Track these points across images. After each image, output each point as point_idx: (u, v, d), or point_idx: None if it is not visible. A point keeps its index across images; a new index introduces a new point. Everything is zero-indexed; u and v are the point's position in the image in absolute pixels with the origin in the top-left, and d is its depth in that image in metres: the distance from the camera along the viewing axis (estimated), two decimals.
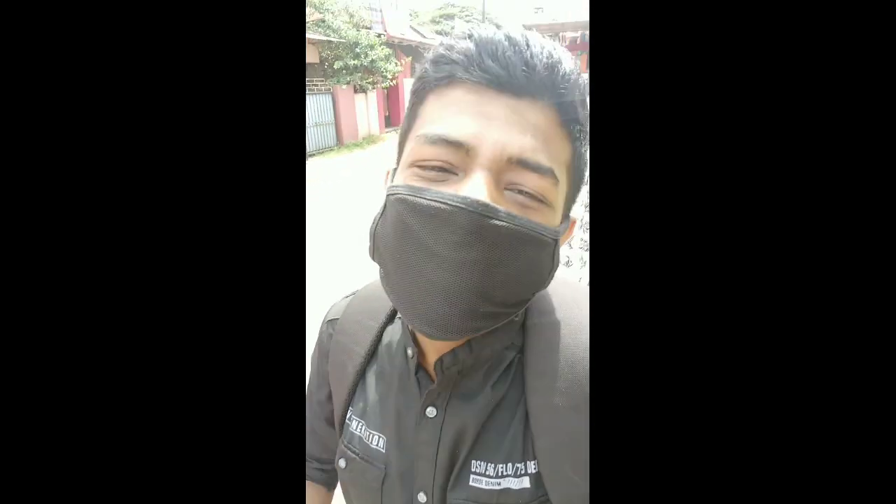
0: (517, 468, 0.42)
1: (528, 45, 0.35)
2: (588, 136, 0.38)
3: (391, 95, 14.92)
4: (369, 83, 10.51)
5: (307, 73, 9.87)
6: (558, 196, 0.37)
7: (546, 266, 0.38)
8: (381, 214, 0.39)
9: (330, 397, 0.57)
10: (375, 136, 13.16)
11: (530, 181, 0.35)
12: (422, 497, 0.45)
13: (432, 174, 0.37)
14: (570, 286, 0.49)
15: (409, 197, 0.36)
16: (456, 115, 0.36)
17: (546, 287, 0.40)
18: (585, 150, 0.39)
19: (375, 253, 0.40)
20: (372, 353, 0.52)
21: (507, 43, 0.35)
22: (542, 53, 0.35)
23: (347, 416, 0.52)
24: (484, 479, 0.42)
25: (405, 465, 0.46)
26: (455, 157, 0.36)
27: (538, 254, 0.37)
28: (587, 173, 0.39)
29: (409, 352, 0.46)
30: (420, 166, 0.37)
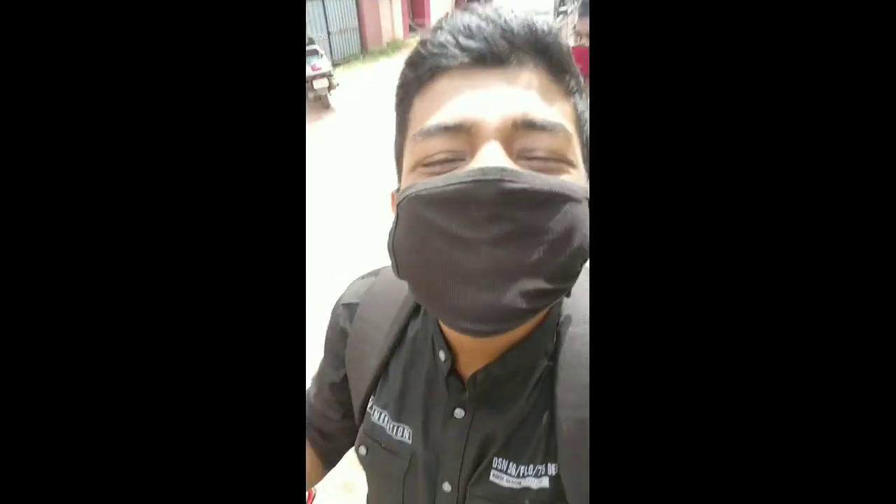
0: (538, 469, 0.41)
1: (499, 14, 0.34)
2: (583, 91, 0.36)
3: (415, 2, 14.33)
4: None
5: None
6: (577, 153, 0.35)
7: (582, 234, 0.33)
8: (395, 226, 0.36)
9: (345, 380, 0.55)
10: (400, 41, 12.91)
11: (543, 142, 0.33)
12: (447, 487, 0.45)
13: (439, 168, 0.34)
14: None
15: (422, 192, 0.33)
16: (448, 101, 0.34)
17: (585, 259, 0.35)
18: (585, 107, 0.36)
19: (400, 269, 0.37)
20: (395, 346, 0.50)
21: (479, 19, 0.34)
22: (515, 17, 0.34)
23: (369, 405, 0.50)
24: (505, 476, 0.42)
25: (430, 458, 0.45)
26: (458, 142, 0.33)
27: (576, 214, 0.33)
28: (587, 130, 0.36)
29: (442, 355, 0.44)
30: (425, 164, 0.35)
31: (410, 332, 0.49)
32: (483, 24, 0.34)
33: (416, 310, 0.50)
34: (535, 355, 0.42)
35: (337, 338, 0.55)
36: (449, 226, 0.32)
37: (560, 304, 0.43)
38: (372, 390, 0.50)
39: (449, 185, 0.32)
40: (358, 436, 0.51)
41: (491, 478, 0.42)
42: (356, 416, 0.52)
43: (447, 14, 0.36)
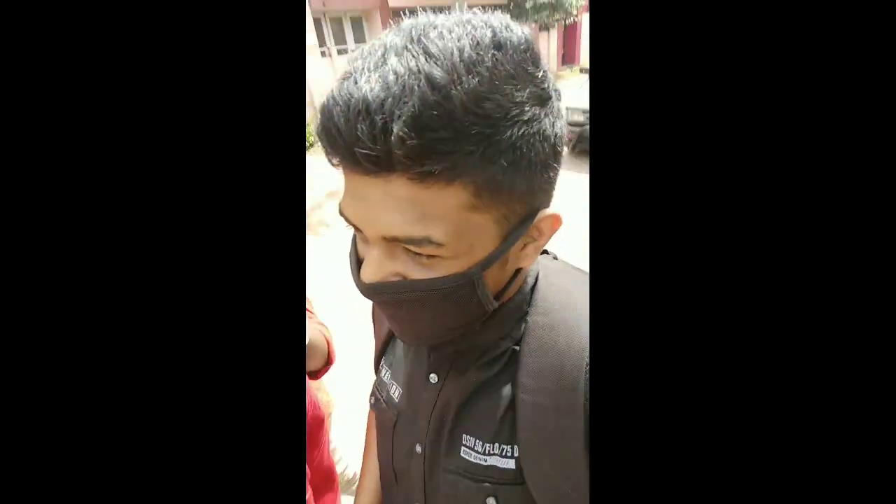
0: (504, 449, 0.44)
1: (349, 127, 0.30)
2: (501, 130, 0.31)
3: (569, 33, 14.44)
4: (555, 19, 10.49)
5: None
6: (454, 246, 0.35)
7: (465, 305, 0.38)
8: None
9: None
10: (554, 72, 13.07)
11: (417, 248, 0.35)
12: (418, 448, 0.51)
13: (361, 234, 0.39)
14: (577, 282, 0.48)
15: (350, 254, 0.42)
16: (348, 193, 0.35)
17: (493, 306, 0.40)
18: (498, 156, 0.32)
19: None
20: None
21: (335, 129, 0.31)
22: (363, 131, 0.29)
23: (381, 361, 0.59)
24: (473, 453, 0.45)
25: (410, 417, 0.52)
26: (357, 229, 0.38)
27: (448, 300, 0.37)
28: (519, 178, 0.34)
29: None
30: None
31: None
32: (338, 137, 0.31)
33: None
34: (494, 335, 0.45)
35: (373, 316, 0.65)
36: None
37: (531, 293, 0.46)
38: (384, 350, 0.59)
39: (352, 268, 0.41)
40: (372, 386, 0.60)
41: (461, 453, 0.46)
42: (374, 369, 0.61)
43: (344, 76, 0.33)
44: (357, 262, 0.41)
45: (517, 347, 0.45)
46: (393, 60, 0.30)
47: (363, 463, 0.72)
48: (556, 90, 0.35)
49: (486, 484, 0.44)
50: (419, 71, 0.29)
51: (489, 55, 0.30)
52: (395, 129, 0.29)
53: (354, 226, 0.37)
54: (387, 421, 0.55)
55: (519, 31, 0.33)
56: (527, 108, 0.32)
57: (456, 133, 0.30)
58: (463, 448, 0.46)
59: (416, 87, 0.29)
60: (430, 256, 0.35)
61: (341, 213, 0.37)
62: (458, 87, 0.29)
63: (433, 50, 0.30)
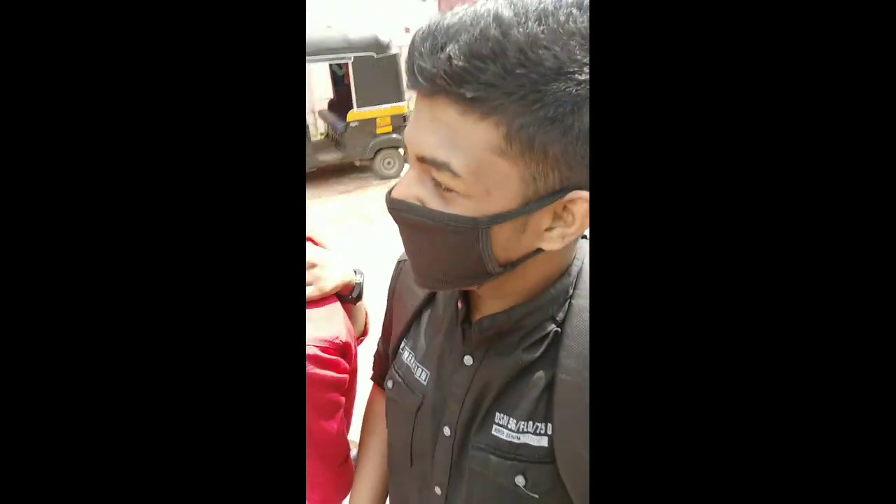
0: (537, 427, 0.44)
1: (420, 43, 0.34)
2: (540, 89, 0.32)
3: None
4: None
5: None
6: (471, 184, 0.35)
7: (463, 253, 0.38)
8: None
9: (390, 328, 0.64)
10: None
11: (438, 175, 0.36)
12: (446, 431, 0.50)
13: None
14: None
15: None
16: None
17: (495, 269, 0.40)
18: (536, 111, 0.33)
19: None
20: (430, 298, 0.57)
21: (420, 41, 0.34)
22: (424, 49, 0.33)
23: (401, 346, 0.57)
24: (505, 430, 0.45)
25: (438, 401, 0.51)
26: None
27: (450, 240, 0.38)
28: (555, 139, 0.34)
29: (460, 304, 0.49)
30: None
31: None
32: (421, 49, 0.34)
33: None
34: (541, 316, 0.45)
35: (390, 294, 0.64)
36: None
37: (575, 276, 0.46)
38: (406, 332, 0.58)
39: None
40: (389, 371, 0.58)
41: (493, 431, 0.46)
42: (390, 355, 0.60)
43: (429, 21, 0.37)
44: None
45: (559, 329, 0.45)
46: (480, 2, 0.33)
47: (361, 450, 0.70)
48: None
49: (516, 462, 0.45)
50: (493, 8, 0.32)
51: (566, 10, 0.32)
52: (448, 49, 0.32)
53: (405, 147, 0.39)
54: (408, 405, 0.54)
55: None
56: (585, 70, 0.32)
57: (503, 70, 0.32)
58: (495, 426, 0.46)
59: (482, 21, 0.32)
60: (447, 190, 0.37)
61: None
62: (520, 29, 0.31)
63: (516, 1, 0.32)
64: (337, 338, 0.61)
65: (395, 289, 0.62)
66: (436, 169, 0.36)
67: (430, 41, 0.33)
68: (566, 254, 0.44)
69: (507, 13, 0.31)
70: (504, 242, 0.39)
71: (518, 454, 0.45)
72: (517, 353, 0.45)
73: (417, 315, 0.57)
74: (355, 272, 0.72)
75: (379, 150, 5.26)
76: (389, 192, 0.41)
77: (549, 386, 0.44)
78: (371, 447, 0.68)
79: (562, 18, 0.31)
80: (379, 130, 5.16)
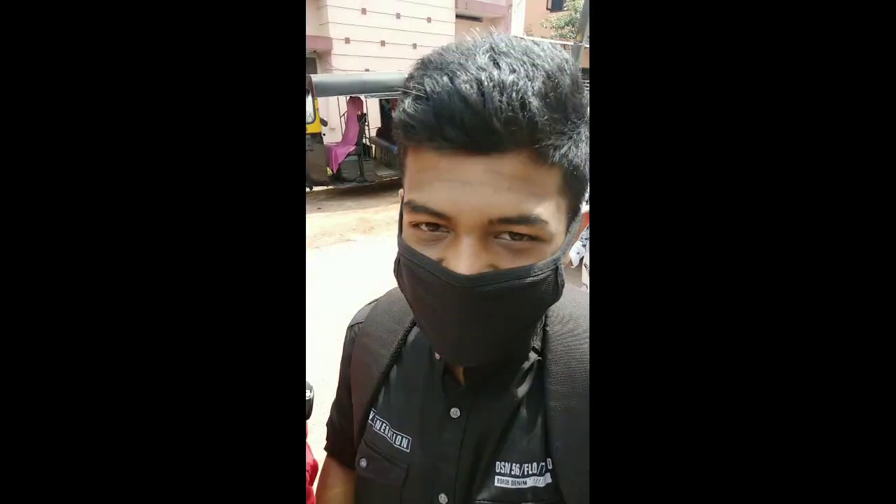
0: (541, 466, 0.43)
1: (484, 100, 0.31)
2: (580, 127, 0.35)
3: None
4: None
5: (584, 75, 11.15)
6: (553, 227, 0.36)
7: (546, 293, 0.38)
8: (397, 262, 0.41)
9: (347, 398, 0.57)
10: None
11: (520, 230, 0.35)
12: (443, 498, 0.45)
13: (427, 234, 0.37)
14: (578, 294, 0.50)
15: (408, 261, 0.38)
16: (434, 181, 0.35)
17: (554, 302, 0.40)
18: (579, 146, 0.36)
19: (401, 288, 0.42)
20: (396, 356, 0.52)
21: (461, 104, 0.32)
22: (501, 104, 0.31)
23: (370, 416, 0.51)
24: (510, 478, 0.43)
25: (427, 466, 0.46)
26: (443, 221, 0.36)
27: (534, 292, 0.37)
28: (587, 162, 0.37)
29: (437, 355, 0.47)
30: (415, 226, 0.37)
31: (410, 339, 0.52)
32: (466, 113, 0.32)
33: (415, 321, 0.53)
34: (526, 348, 0.45)
35: (344, 362, 0.58)
36: (431, 299, 0.38)
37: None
38: (374, 401, 0.52)
39: (428, 271, 0.36)
40: (358, 449, 0.52)
41: (496, 483, 0.43)
42: (356, 429, 0.53)
43: (433, 61, 0.35)
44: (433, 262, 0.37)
45: (540, 358, 0.46)
46: (503, 58, 0.33)
47: None
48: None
49: None
50: (534, 64, 0.33)
51: (568, 62, 0.35)
52: (532, 102, 0.32)
53: (441, 216, 0.35)
54: (392, 480, 0.47)
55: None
56: (584, 100, 0.36)
57: (563, 115, 0.34)
58: (497, 477, 0.43)
59: (536, 75, 0.32)
60: (531, 238, 0.36)
61: (419, 208, 0.36)
62: (563, 79, 0.33)
63: (531, 54, 0.33)
64: None
65: (351, 355, 0.57)
66: (525, 224, 0.35)
67: (505, 97, 0.31)
68: None
69: (548, 66, 0.33)
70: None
71: (525, 500, 0.43)
72: (510, 390, 0.44)
73: (384, 379, 0.52)
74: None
75: None
76: (450, 274, 0.35)
77: (543, 419, 0.44)
78: None
79: (571, 70, 0.35)
80: None
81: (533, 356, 0.45)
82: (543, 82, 0.32)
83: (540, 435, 0.44)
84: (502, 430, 0.44)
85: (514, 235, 0.36)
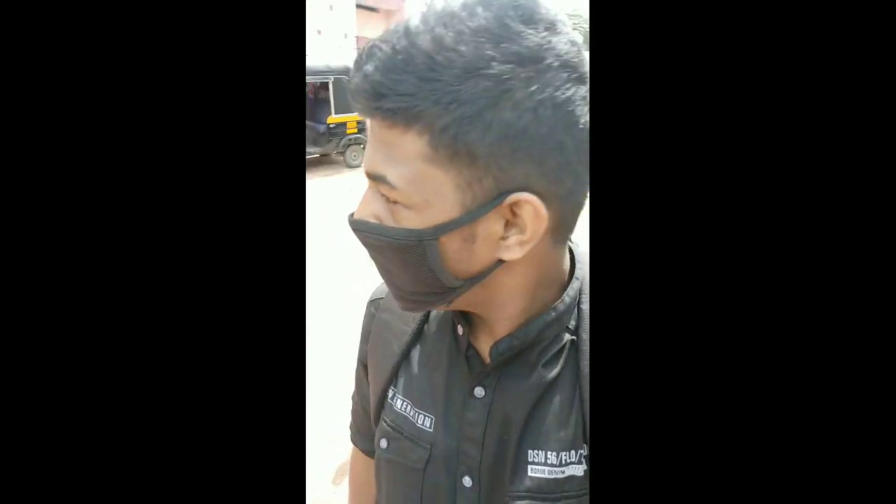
0: (579, 454, 0.41)
1: (359, 61, 0.34)
2: (457, 91, 0.32)
3: None
4: None
5: None
6: (414, 195, 0.35)
7: (415, 269, 0.37)
8: None
9: (365, 378, 0.56)
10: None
11: (382, 189, 0.36)
12: (467, 481, 0.43)
13: None
14: None
15: None
16: None
17: (453, 283, 0.38)
18: (456, 111, 0.32)
19: None
20: (419, 332, 0.50)
21: (354, 67, 0.34)
22: (364, 66, 0.33)
23: (390, 395, 0.50)
24: (546, 468, 0.41)
25: (451, 447, 0.44)
26: None
27: (401, 255, 0.37)
28: (477, 138, 0.33)
29: (460, 329, 0.45)
30: None
31: (433, 314, 0.50)
32: (355, 77, 0.34)
33: None
34: (558, 327, 0.42)
35: (363, 339, 0.56)
36: None
37: (579, 281, 0.43)
38: (392, 378, 0.50)
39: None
40: (377, 429, 0.50)
41: (531, 472, 0.41)
42: (373, 409, 0.52)
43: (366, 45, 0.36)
44: None
45: (574, 338, 0.42)
46: (399, 25, 0.34)
47: None
48: (559, 54, 0.32)
49: (566, 500, 0.40)
50: (403, 21, 0.33)
51: (470, 10, 0.32)
52: (364, 68, 0.33)
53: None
54: (412, 462, 0.46)
55: None
56: (494, 64, 0.31)
57: (417, 79, 0.31)
58: (531, 467, 0.41)
59: (393, 36, 0.32)
60: (393, 202, 0.36)
61: None
62: (425, 36, 0.31)
63: (431, 7, 0.33)
64: None
65: (370, 331, 0.55)
66: (380, 183, 0.36)
67: (355, 65, 0.34)
68: (553, 260, 0.41)
69: (414, 23, 0.32)
70: (456, 254, 0.37)
71: (566, 490, 0.41)
72: (537, 370, 0.41)
73: (405, 356, 0.50)
74: None
75: (349, 145, 7.70)
76: (351, 214, 0.39)
77: (580, 403, 0.41)
78: None
79: (465, 18, 0.31)
80: (349, 131, 7.61)
81: (566, 336, 0.42)
82: (394, 44, 0.32)
83: (576, 421, 0.41)
84: (531, 415, 0.42)
85: (386, 198, 0.37)
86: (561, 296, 0.42)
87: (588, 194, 0.36)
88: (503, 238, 0.36)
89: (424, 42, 0.32)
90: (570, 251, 0.44)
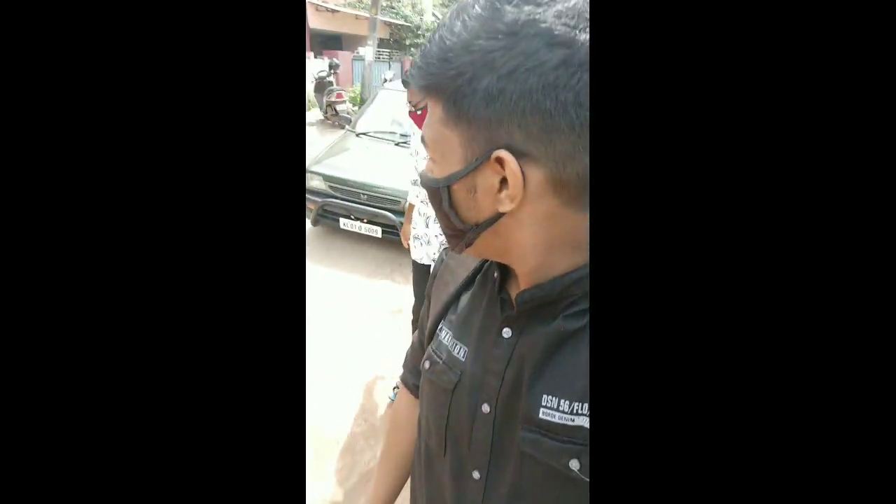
0: None
1: (417, 57, 0.42)
2: (457, 68, 0.38)
3: None
4: None
5: (381, 45, 12.55)
6: (437, 150, 0.43)
7: (440, 209, 0.45)
8: None
9: (427, 316, 0.63)
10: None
11: (426, 149, 0.45)
12: (485, 408, 0.49)
13: None
14: None
15: None
16: None
17: (462, 226, 0.44)
18: (455, 81, 0.39)
19: None
20: (471, 279, 0.57)
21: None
22: (419, 56, 0.42)
23: (440, 326, 0.58)
24: (557, 413, 0.43)
25: (476, 377, 0.50)
26: None
27: (433, 199, 0.45)
28: (472, 102, 0.38)
29: (496, 275, 0.51)
30: None
31: (485, 267, 0.57)
32: (411, 72, 0.44)
33: None
34: (579, 288, 0.44)
35: (430, 279, 0.66)
36: None
37: None
38: (444, 313, 0.58)
39: None
40: (426, 353, 0.58)
41: (542, 415, 0.44)
42: (427, 338, 0.60)
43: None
44: None
45: None
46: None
47: (383, 451, 0.73)
48: (539, 25, 0.35)
49: (572, 445, 0.43)
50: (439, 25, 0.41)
51: (472, 3, 0.39)
52: (416, 59, 0.43)
53: None
54: (444, 383, 0.53)
55: None
56: (479, 42, 0.37)
57: (438, 60, 0.40)
58: (543, 410, 0.44)
59: (433, 32, 0.41)
60: (431, 159, 0.45)
61: None
62: (445, 27, 0.40)
63: (457, 4, 0.41)
64: None
65: (437, 274, 0.63)
66: (425, 145, 0.45)
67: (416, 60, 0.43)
68: (568, 223, 0.42)
69: (444, 20, 0.40)
70: (463, 202, 0.43)
71: (574, 437, 0.43)
72: (558, 321, 0.44)
73: (457, 297, 0.58)
74: None
75: None
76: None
77: None
78: (392, 451, 0.71)
79: (470, 7, 0.38)
80: None
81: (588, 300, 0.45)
82: (430, 38, 0.42)
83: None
84: (542, 359, 0.45)
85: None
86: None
87: None
88: (499, 192, 0.40)
89: (444, 31, 0.39)
90: None
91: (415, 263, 2.09)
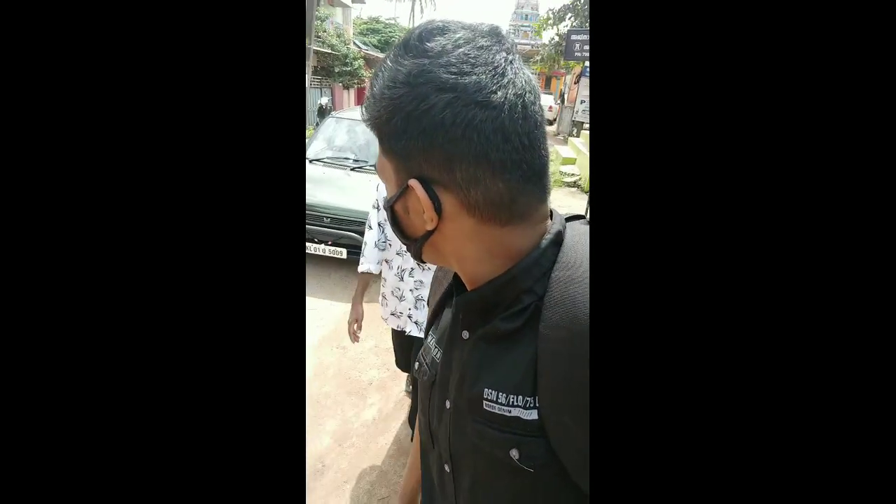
0: (527, 401, 0.46)
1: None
2: (382, 111, 0.43)
3: (361, 93, 18.24)
4: (353, 83, 13.74)
5: (314, 73, 12.62)
6: (382, 177, 0.48)
7: (391, 221, 0.50)
8: None
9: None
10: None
11: None
12: (447, 404, 0.54)
13: None
14: None
15: None
16: None
17: (404, 240, 0.50)
18: (381, 121, 0.44)
19: None
20: (458, 284, 0.59)
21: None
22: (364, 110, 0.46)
23: (430, 331, 0.63)
24: (496, 405, 0.47)
25: (444, 376, 0.55)
26: None
27: (387, 212, 0.50)
28: (390, 137, 0.44)
29: (453, 282, 0.56)
30: None
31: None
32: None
33: None
34: (515, 289, 0.47)
35: (431, 288, 0.70)
36: None
37: (547, 251, 0.48)
38: (433, 321, 0.64)
39: None
40: (419, 354, 0.65)
41: (484, 406, 0.48)
42: (425, 339, 0.65)
43: None
44: None
45: (540, 303, 0.47)
46: None
47: (414, 445, 0.80)
48: (430, 74, 0.40)
49: (510, 435, 0.46)
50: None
51: (394, 51, 0.44)
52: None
53: None
54: (426, 382, 0.60)
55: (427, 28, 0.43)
56: (388, 89, 0.42)
57: (371, 102, 0.45)
58: (485, 402, 0.48)
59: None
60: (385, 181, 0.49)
61: None
62: (374, 77, 0.45)
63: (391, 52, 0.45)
64: None
65: (436, 279, 0.69)
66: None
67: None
68: (494, 237, 0.46)
69: (377, 67, 0.45)
70: (403, 220, 0.49)
71: (511, 428, 0.46)
72: (495, 322, 0.48)
73: (442, 306, 0.63)
74: None
75: None
76: None
77: (534, 358, 0.45)
78: (416, 442, 0.77)
79: (385, 62, 0.43)
80: None
81: (529, 299, 0.47)
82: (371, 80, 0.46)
83: (528, 373, 0.46)
84: (489, 357, 0.49)
85: None
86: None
87: (508, 182, 0.43)
88: (423, 213, 0.45)
89: (374, 78, 0.44)
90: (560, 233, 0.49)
91: (393, 332, 1.84)
